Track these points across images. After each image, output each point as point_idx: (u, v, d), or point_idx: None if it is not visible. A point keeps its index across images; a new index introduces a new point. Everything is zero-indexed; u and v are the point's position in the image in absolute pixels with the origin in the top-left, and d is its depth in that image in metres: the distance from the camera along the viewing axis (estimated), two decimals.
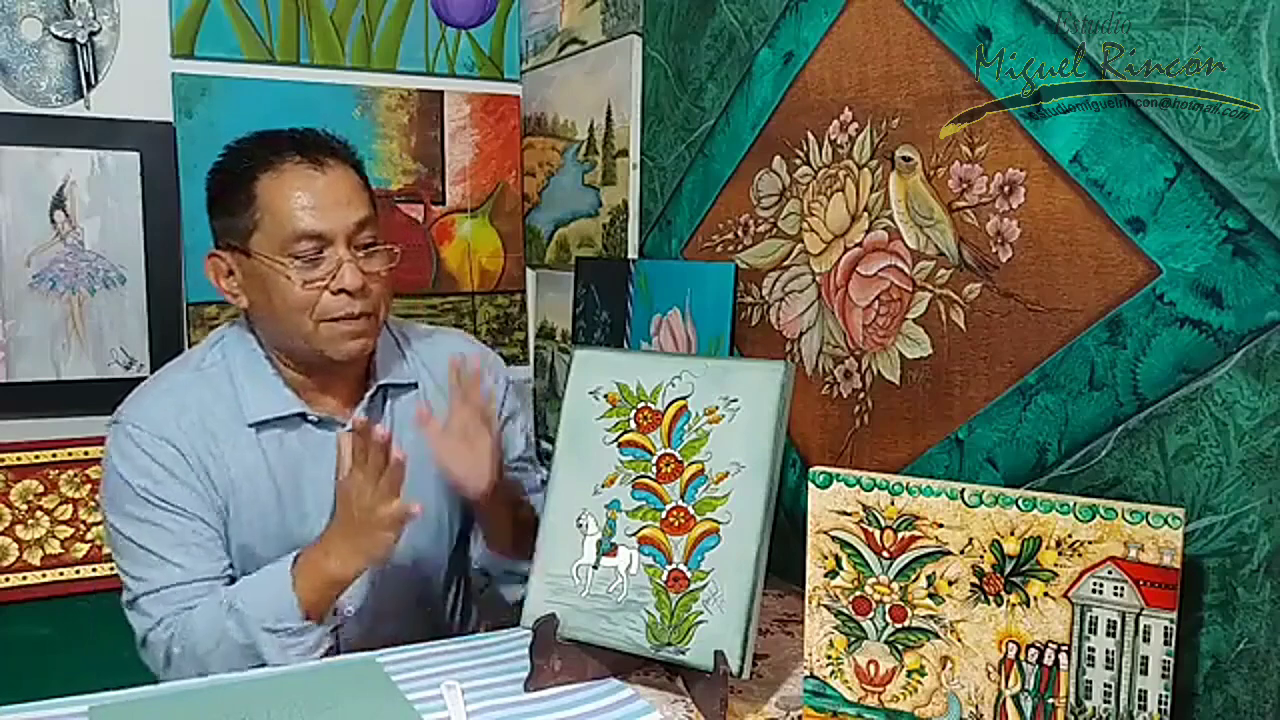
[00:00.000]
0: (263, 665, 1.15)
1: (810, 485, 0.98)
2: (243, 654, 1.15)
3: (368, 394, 1.30)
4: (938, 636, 0.94)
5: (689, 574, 1.05)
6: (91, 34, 1.84)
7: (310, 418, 1.27)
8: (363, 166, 1.29)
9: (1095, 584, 0.87)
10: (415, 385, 1.35)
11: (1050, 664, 0.89)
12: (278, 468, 1.26)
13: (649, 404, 1.11)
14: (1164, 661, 0.85)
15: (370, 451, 1.10)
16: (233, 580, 1.24)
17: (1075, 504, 0.87)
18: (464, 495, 1.28)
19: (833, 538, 0.98)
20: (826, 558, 0.98)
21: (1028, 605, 0.89)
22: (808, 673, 1.01)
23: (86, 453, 1.87)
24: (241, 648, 1.15)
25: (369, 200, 1.26)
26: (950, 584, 0.93)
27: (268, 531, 1.25)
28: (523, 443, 1.47)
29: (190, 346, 1.91)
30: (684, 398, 1.10)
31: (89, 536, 1.88)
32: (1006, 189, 1.09)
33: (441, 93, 2.14)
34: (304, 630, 1.16)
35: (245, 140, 1.26)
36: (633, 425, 1.11)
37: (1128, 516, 0.85)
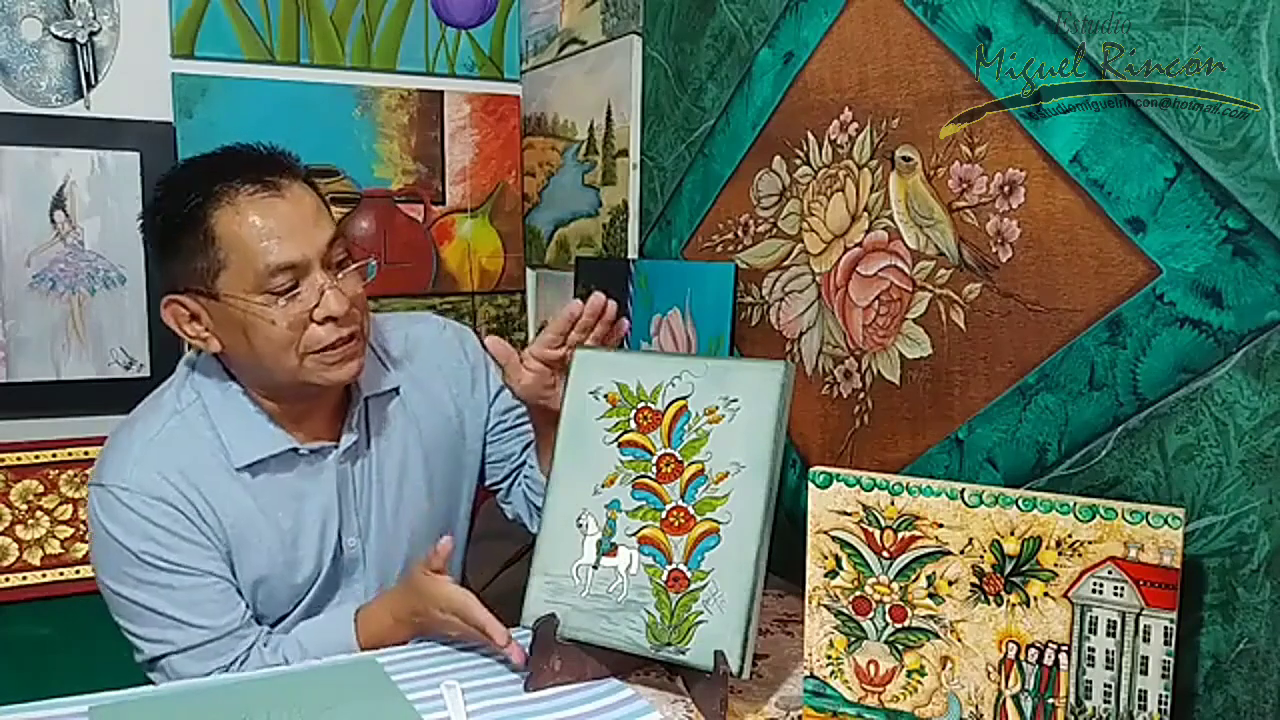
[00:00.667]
0: None
1: (810, 485, 0.98)
2: None
3: (354, 410, 1.25)
4: (938, 636, 0.94)
5: (689, 574, 1.05)
6: (91, 34, 1.84)
7: (301, 451, 1.21)
8: (312, 179, 1.20)
9: (1095, 584, 0.87)
10: (396, 391, 1.31)
11: (1050, 664, 0.89)
12: (274, 507, 1.21)
13: (649, 404, 1.11)
14: (1164, 661, 0.85)
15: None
16: (257, 619, 1.23)
17: (1075, 504, 0.87)
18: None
19: (833, 538, 0.98)
20: (826, 558, 0.98)
21: (1028, 605, 0.89)
22: (808, 673, 1.01)
23: (86, 453, 1.87)
24: None
25: (330, 215, 1.18)
26: (950, 584, 0.93)
27: (274, 570, 1.22)
28: (510, 396, 1.38)
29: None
30: (684, 398, 1.10)
31: (89, 536, 1.88)
32: (1006, 189, 1.09)
33: (441, 93, 2.14)
34: None
35: (182, 172, 1.16)
36: (633, 425, 1.11)
37: (1128, 516, 0.85)
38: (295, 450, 1.21)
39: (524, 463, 1.41)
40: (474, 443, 1.40)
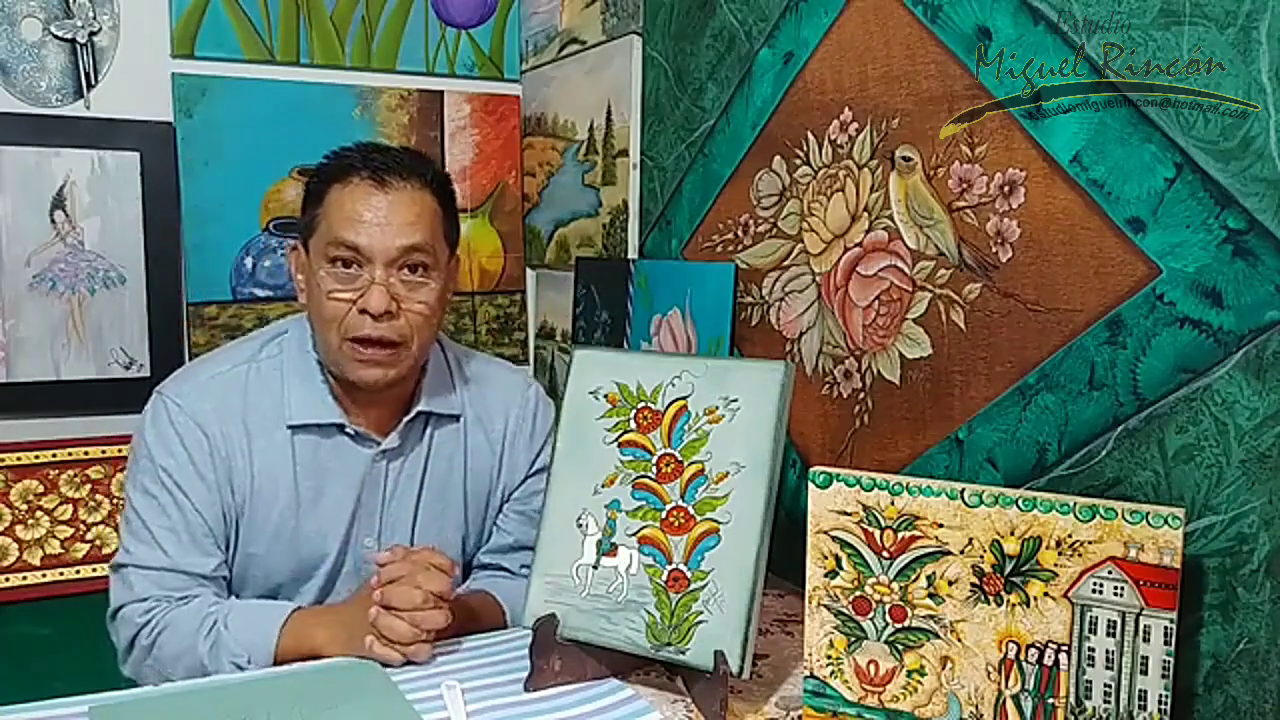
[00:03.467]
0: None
1: (810, 485, 0.98)
2: (201, 671, 1.15)
3: (405, 419, 1.27)
4: (938, 636, 0.94)
5: (689, 574, 1.05)
6: (91, 34, 1.84)
7: (348, 430, 1.25)
8: (447, 192, 1.26)
9: (1095, 584, 0.87)
10: (459, 417, 1.33)
11: (1050, 664, 0.89)
12: (304, 476, 1.24)
13: (649, 404, 1.11)
14: (1164, 661, 0.85)
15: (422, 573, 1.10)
16: (227, 583, 1.24)
17: (1075, 504, 0.87)
18: None
19: (833, 538, 0.98)
20: (826, 558, 0.98)
21: (1028, 605, 0.89)
22: (808, 673, 1.01)
23: (86, 453, 1.87)
24: (202, 666, 1.15)
25: (433, 228, 1.21)
26: (950, 584, 0.93)
27: (279, 541, 1.24)
28: (543, 486, 1.27)
29: (190, 347, 1.92)
30: (684, 398, 1.10)
31: (89, 536, 1.88)
32: (1006, 189, 1.09)
33: (441, 93, 2.14)
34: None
35: (344, 148, 1.25)
36: (633, 425, 1.11)
37: (1128, 516, 0.85)
38: (342, 427, 1.25)
39: (501, 563, 1.39)
40: (498, 505, 1.39)
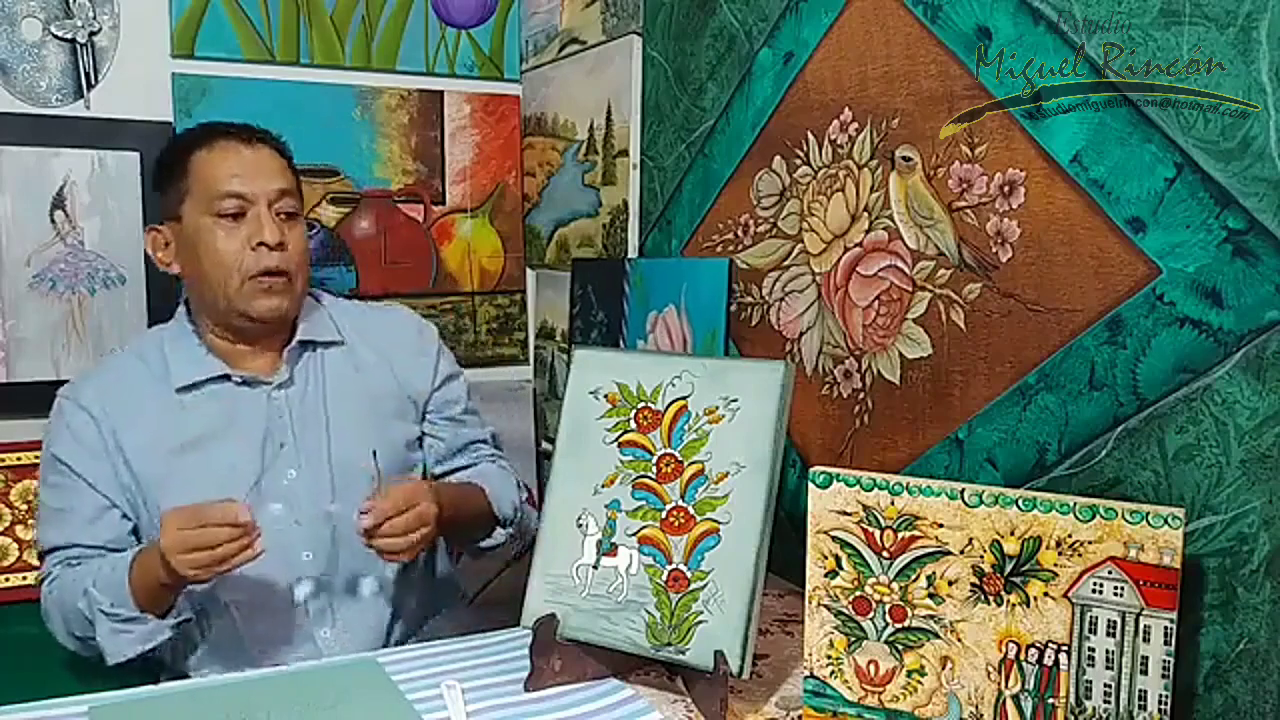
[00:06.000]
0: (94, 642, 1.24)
1: (810, 485, 0.98)
2: (88, 627, 1.23)
3: (287, 347, 1.38)
4: (938, 636, 0.94)
5: (689, 574, 1.05)
6: (91, 34, 1.84)
7: (235, 379, 1.35)
8: (291, 157, 1.42)
9: (1095, 584, 0.87)
10: (342, 342, 1.43)
11: (1050, 664, 0.89)
12: (201, 433, 1.32)
13: (649, 404, 1.11)
14: (1164, 661, 0.85)
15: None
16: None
17: (1075, 504, 0.87)
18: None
19: (833, 538, 0.98)
20: (826, 558, 0.98)
21: (1028, 605, 0.89)
22: (808, 673, 1.01)
23: None
24: (87, 622, 1.23)
25: (293, 181, 1.39)
26: (950, 584, 0.93)
27: (187, 498, 1.26)
28: (463, 395, 1.54)
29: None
30: (684, 398, 1.10)
31: None
32: (1006, 189, 1.09)
33: (441, 93, 2.14)
34: (135, 620, 1.21)
35: (187, 129, 1.42)
36: (633, 425, 1.11)
37: (1128, 516, 0.85)
38: (228, 377, 1.35)
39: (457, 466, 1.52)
40: (417, 412, 1.49)
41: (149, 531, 1.31)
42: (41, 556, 1.33)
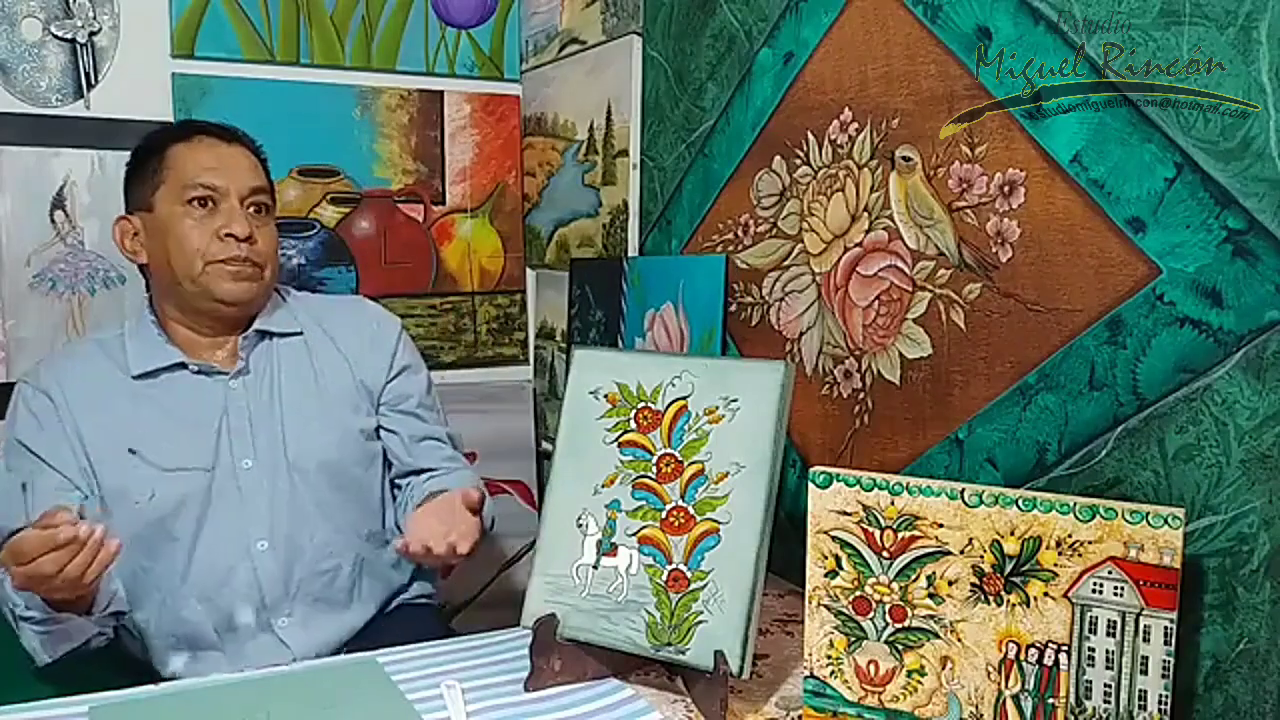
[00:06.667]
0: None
1: (810, 485, 0.98)
2: (13, 618, 1.22)
3: (241, 335, 1.40)
4: (938, 636, 0.94)
5: (689, 574, 1.05)
6: (91, 34, 1.84)
7: (191, 367, 1.37)
8: (265, 159, 1.45)
9: (1095, 584, 0.87)
10: (300, 334, 1.45)
11: (1050, 664, 0.89)
12: (158, 420, 1.33)
13: (649, 404, 1.11)
14: (1164, 661, 0.85)
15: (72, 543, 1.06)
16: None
17: (1075, 504, 0.87)
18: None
19: (833, 538, 0.98)
20: (826, 558, 0.98)
21: (1028, 605, 0.89)
22: (808, 673, 1.01)
23: None
24: (12, 614, 1.22)
25: (266, 180, 1.42)
26: (950, 584, 0.93)
27: (144, 484, 1.31)
28: (420, 390, 1.53)
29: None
30: (684, 398, 1.10)
31: None
32: (1006, 189, 1.09)
33: (441, 93, 2.14)
34: (50, 620, 1.18)
35: (166, 125, 1.46)
36: (633, 425, 1.11)
37: (1128, 516, 0.85)
38: (184, 365, 1.37)
39: (411, 470, 1.50)
40: (371, 405, 1.48)
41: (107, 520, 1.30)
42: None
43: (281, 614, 1.36)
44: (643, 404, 1.11)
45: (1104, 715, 0.87)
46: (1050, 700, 0.89)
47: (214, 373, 1.38)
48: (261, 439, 1.37)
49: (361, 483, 1.44)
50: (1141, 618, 0.85)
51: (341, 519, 1.40)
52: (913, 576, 0.94)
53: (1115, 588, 0.86)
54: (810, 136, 1.38)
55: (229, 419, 1.36)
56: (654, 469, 1.09)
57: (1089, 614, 0.87)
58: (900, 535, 0.95)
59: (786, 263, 1.44)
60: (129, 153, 1.43)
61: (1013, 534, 0.90)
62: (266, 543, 1.35)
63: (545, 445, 2.22)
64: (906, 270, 1.22)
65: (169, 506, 1.31)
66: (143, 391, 1.35)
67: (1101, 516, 0.86)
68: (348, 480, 1.42)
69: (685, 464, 1.08)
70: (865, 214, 1.29)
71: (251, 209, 1.37)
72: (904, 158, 1.22)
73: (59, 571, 1.04)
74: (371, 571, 1.43)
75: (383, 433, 1.49)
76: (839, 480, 0.97)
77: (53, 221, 1.83)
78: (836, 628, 0.99)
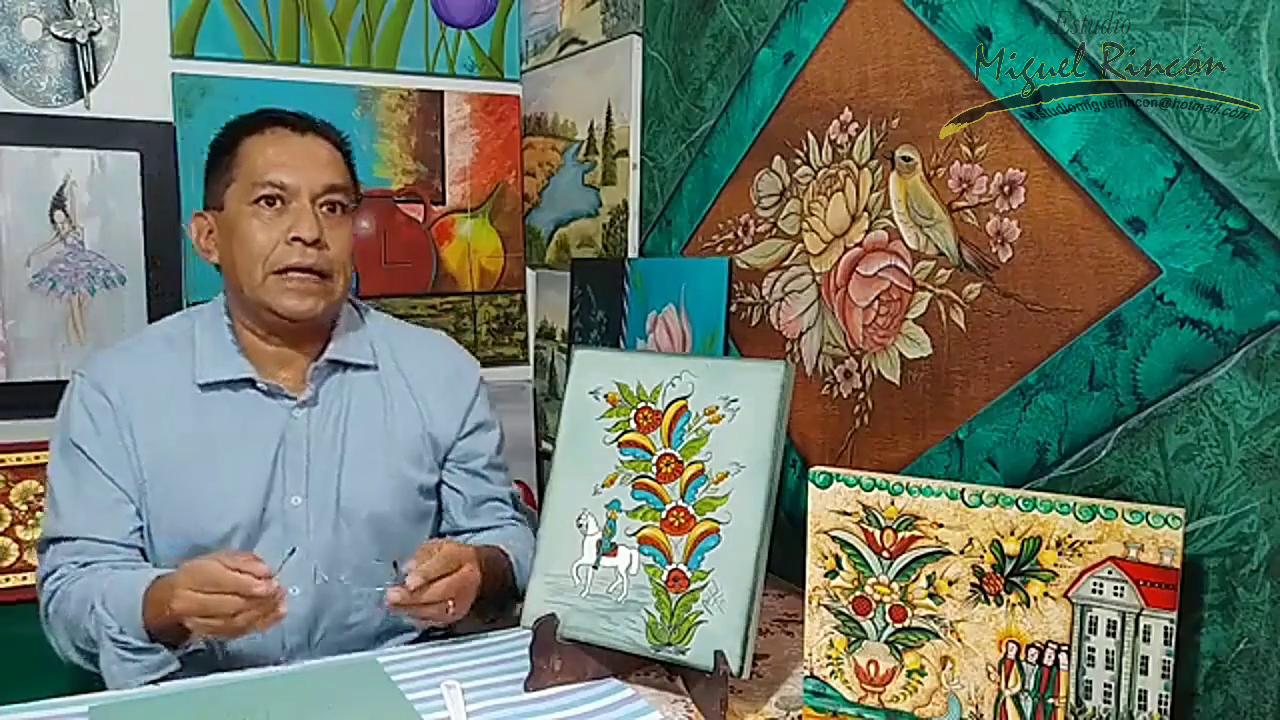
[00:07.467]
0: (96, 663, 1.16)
1: (810, 485, 0.98)
2: (93, 644, 1.15)
3: (314, 365, 1.30)
4: (938, 636, 0.94)
5: (689, 574, 1.05)
6: (91, 34, 1.84)
7: (259, 385, 1.27)
8: (348, 151, 1.34)
9: (1095, 584, 0.87)
10: (375, 367, 1.35)
11: (1050, 664, 0.89)
12: (216, 436, 1.25)
13: (649, 404, 1.11)
14: (1164, 661, 0.85)
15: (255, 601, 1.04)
16: (142, 551, 1.25)
17: (1075, 504, 0.87)
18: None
19: (833, 538, 0.98)
20: (826, 558, 0.98)
21: (1028, 605, 0.89)
22: (808, 673, 1.00)
23: None
24: (91, 640, 1.16)
25: (345, 175, 1.31)
26: (950, 584, 0.93)
27: (193, 503, 1.23)
28: (490, 449, 1.42)
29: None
30: (684, 398, 1.10)
31: None
32: (1006, 189, 1.09)
33: (441, 93, 2.14)
34: (145, 650, 1.13)
35: (244, 114, 1.33)
36: (633, 425, 1.11)
37: (1128, 516, 0.85)
38: (253, 381, 1.28)
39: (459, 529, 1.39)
40: (436, 459, 1.38)
41: (147, 534, 1.25)
42: (43, 546, 1.25)
43: (298, 662, 1.23)
44: (643, 404, 1.11)
45: (1104, 715, 0.87)
46: (1050, 700, 0.89)
47: (281, 395, 1.28)
48: (315, 477, 1.28)
49: (406, 538, 1.32)
50: (1141, 618, 0.85)
51: (379, 574, 1.26)
52: (913, 576, 0.94)
53: (1115, 588, 0.86)
54: (810, 136, 1.38)
55: (286, 449, 1.27)
56: (654, 469, 1.09)
57: (1089, 614, 0.87)
58: (900, 535, 0.95)
59: (786, 263, 1.44)
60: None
61: (1013, 534, 0.90)
62: (299, 588, 1.24)
63: (545, 445, 2.22)
64: (906, 270, 1.22)
65: (217, 534, 1.23)
66: (206, 404, 1.26)
67: (1101, 516, 0.86)
68: (394, 534, 1.31)
69: (685, 464, 1.08)
70: (865, 214, 1.29)
71: (325, 208, 1.27)
72: (904, 158, 1.22)
73: (232, 615, 1.03)
74: (396, 624, 1.33)
75: (443, 489, 1.39)
76: (839, 480, 0.97)
77: (53, 221, 1.83)
78: (836, 628, 0.99)
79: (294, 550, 1.17)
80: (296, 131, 1.28)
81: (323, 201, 1.26)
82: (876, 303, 1.27)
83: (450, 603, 1.13)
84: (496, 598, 1.27)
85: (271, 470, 1.26)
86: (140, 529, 1.25)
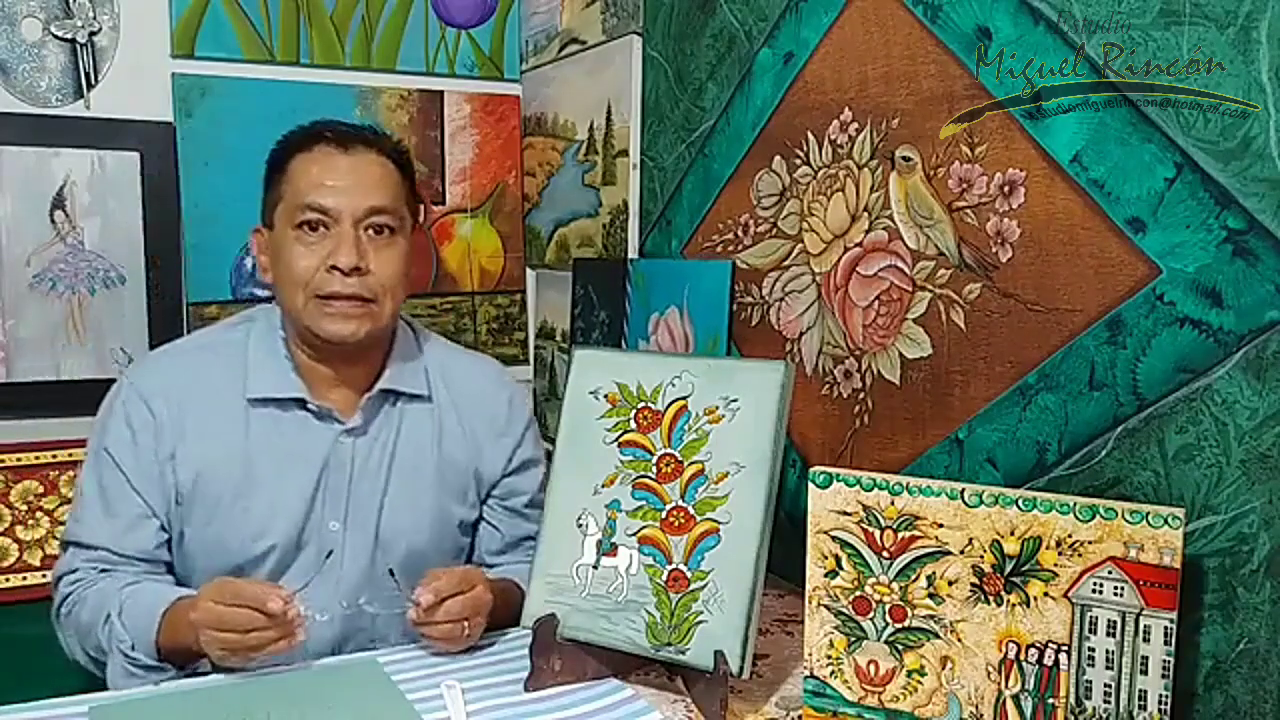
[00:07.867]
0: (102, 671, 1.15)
1: (810, 485, 0.98)
2: (103, 653, 1.15)
3: (368, 394, 1.26)
4: (938, 636, 0.94)
5: (689, 574, 1.05)
6: (91, 34, 1.84)
7: (310, 405, 1.23)
8: (406, 162, 1.30)
9: (1095, 584, 0.87)
10: (429, 398, 1.31)
11: (1050, 664, 0.89)
12: (260, 454, 1.22)
13: (649, 404, 1.11)
14: (1164, 661, 0.85)
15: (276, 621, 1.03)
16: (168, 565, 1.23)
17: (1075, 504, 0.87)
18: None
19: (833, 538, 0.98)
20: (826, 558, 0.98)
21: (1028, 605, 0.89)
22: (808, 673, 1.00)
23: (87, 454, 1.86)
24: (102, 650, 1.15)
25: (397, 193, 1.25)
26: (950, 584, 0.93)
27: (230, 520, 1.21)
28: (534, 487, 1.38)
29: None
30: (684, 398, 1.10)
31: None
32: (1006, 189, 1.09)
33: (441, 93, 2.14)
34: (153, 669, 1.12)
35: (300, 125, 1.28)
36: (633, 425, 1.11)
37: (1128, 516, 0.85)
38: (304, 402, 1.24)
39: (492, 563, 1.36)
40: (479, 494, 1.36)
41: (179, 547, 1.23)
42: (65, 544, 1.24)
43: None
44: (643, 404, 1.11)
45: (1104, 715, 0.87)
46: (1050, 700, 0.89)
47: (330, 419, 1.24)
48: (356, 505, 1.25)
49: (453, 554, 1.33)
50: (1141, 618, 0.85)
51: (398, 597, 1.23)
52: (913, 576, 0.94)
53: (1115, 588, 0.86)
54: (810, 136, 1.38)
55: (329, 474, 1.23)
56: (654, 469, 1.09)
57: (1089, 614, 0.87)
58: (900, 535, 0.95)
59: (786, 263, 1.44)
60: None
61: (1013, 534, 0.90)
62: (328, 615, 1.22)
63: (545, 445, 2.22)
64: (906, 270, 1.22)
65: (253, 553, 1.21)
66: (253, 419, 1.22)
67: (1101, 516, 0.86)
68: (426, 569, 1.22)
69: (685, 464, 1.08)
70: (865, 214, 1.29)
71: (370, 231, 1.21)
72: (904, 158, 1.22)
73: (246, 632, 1.03)
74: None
75: (481, 524, 1.37)
76: (839, 480, 0.97)
77: (53, 221, 1.83)
78: (836, 628, 0.99)
79: (308, 584, 1.16)
80: (343, 148, 1.23)
81: (367, 225, 1.21)
82: (876, 303, 1.28)
83: (466, 622, 1.12)
84: (503, 628, 1.23)
85: (313, 493, 1.23)
86: (165, 542, 1.23)
